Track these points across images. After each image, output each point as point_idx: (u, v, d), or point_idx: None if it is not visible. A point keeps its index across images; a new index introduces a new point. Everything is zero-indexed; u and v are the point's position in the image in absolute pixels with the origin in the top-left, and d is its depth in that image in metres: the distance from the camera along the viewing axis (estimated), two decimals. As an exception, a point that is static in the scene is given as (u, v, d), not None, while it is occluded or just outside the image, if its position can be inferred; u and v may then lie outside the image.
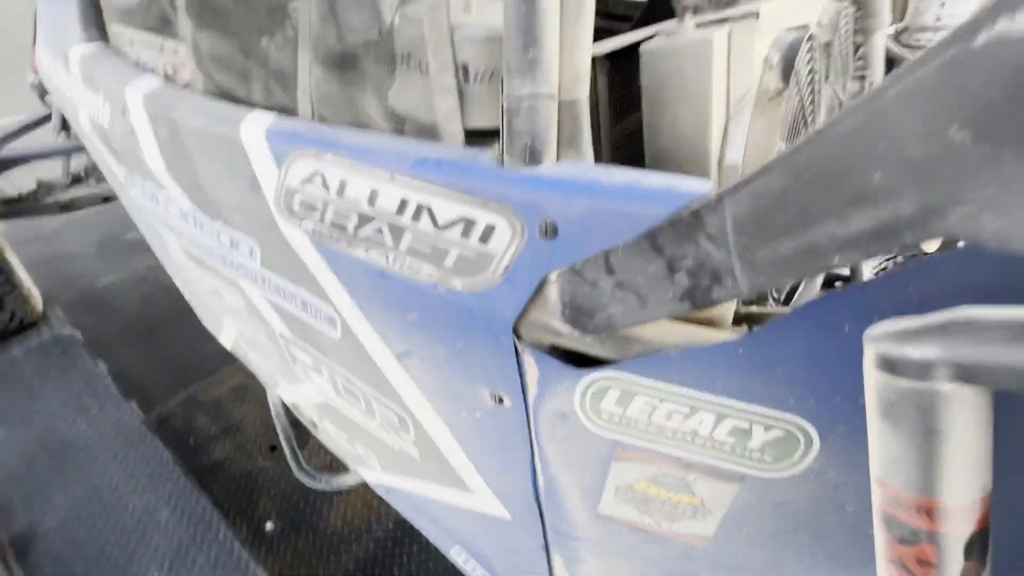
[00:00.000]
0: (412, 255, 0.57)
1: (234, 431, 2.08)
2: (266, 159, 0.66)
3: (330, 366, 0.85)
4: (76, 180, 2.35)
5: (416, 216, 0.54)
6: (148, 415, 1.91)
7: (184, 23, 0.80)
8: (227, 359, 2.39)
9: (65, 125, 2.26)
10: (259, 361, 1.27)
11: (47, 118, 2.29)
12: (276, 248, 0.73)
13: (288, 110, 0.70)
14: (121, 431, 1.67)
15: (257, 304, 0.90)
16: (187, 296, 1.43)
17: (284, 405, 1.55)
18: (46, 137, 2.33)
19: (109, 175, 1.15)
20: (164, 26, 0.93)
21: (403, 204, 0.55)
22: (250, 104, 0.74)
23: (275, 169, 0.65)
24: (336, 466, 1.80)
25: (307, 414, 1.21)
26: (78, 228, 3.15)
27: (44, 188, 2.30)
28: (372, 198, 0.57)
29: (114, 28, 1.03)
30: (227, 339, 1.43)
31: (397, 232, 0.56)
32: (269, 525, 1.78)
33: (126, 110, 0.86)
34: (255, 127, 0.67)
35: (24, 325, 2.15)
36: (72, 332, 2.18)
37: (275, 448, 2.04)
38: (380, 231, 0.58)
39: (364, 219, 0.59)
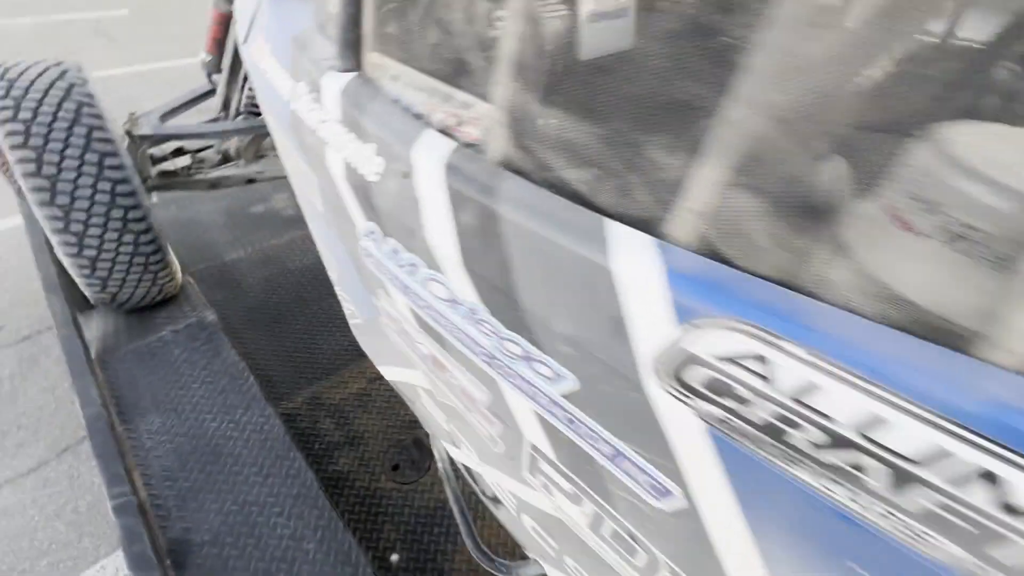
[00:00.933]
0: (923, 520, 0.40)
1: (357, 443, 2.03)
2: (656, 308, 0.50)
3: (610, 513, 0.70)
4: (225, 159, 2.36)
5: (961, 482, 0.37)
6: (275, 408, 1.89)
7: (502, 85, 0.66)
8: (346, 360, 2.36)
9: (226, 106, 2.24)
10: (440, 416, 1.17)
11: (210, 93, 2.29)
12: (613, 400, 0.58)
13: (651, 226, 0.54)
14: (265, 441, 1.65)
15: (514, 408, 0.77)
16: (355, 305, 1.33)
17: (452, 463, 1.46)
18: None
19: (332, 209, 1.05)
20: (455, 74, 0.79)
21: (941, 455, 0.38)
22: (594, 205, 0.58)
23: (671, 326, 0.50)
24: (510, 546, 1.66)
25: (499, 494, 1.10)
26: (210, 196, 3.22)
27: (197, 164, 2.32)
28: (870, 426, 0.40)
29: (372, 57, 0.91)
30: (395, 374, 1.33)
31: (906, 480, 0.40)
32: (395, 557, 1.72)
33: (411, 174, 0.74)
34: (640, 259, 0.51)
35: (166, 298, 2.19)
36: (214, 317, 2.20)
37: (397, 468, 1.98)
38: (864, 467, 0.41)
39: (840, 442, 0.42)
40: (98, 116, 1.84)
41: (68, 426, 2.13)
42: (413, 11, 0.88)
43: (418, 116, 0.79)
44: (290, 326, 2.48)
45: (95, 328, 2.05)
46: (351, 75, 0.91)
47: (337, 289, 1.45)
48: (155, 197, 2.25)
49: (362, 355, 2.18)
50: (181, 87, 2.51)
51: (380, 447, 2.04)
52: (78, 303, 2.00)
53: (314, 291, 2.70)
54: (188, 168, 2.27)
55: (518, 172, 0.65)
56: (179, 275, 2.21)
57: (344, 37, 0.90)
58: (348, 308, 1.40)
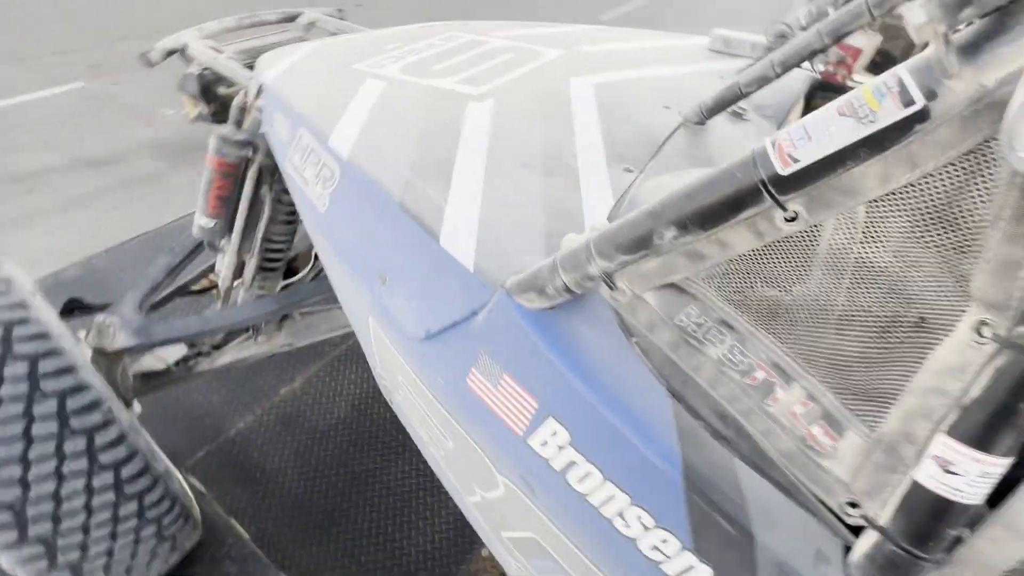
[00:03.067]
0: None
1: None
2: None
3: None
4: (230, 334, 1.73)
5: None
6: None
7: None
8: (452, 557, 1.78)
9: (236, 276, 1.63)
10: None
11: (198, 250, 1.66)
12: None
13: None
14: None
15: None
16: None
17: None
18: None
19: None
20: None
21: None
22: None
23: None
24: None
25: None
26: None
27: (194, 353, 1.68)
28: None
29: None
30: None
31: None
32: None
33: None
34: None
35: (187, 552, 1.55)
36: (256, 552, 1.58)
37: None
38: None
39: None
40: (43, 336, 1.20)
41: None
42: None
43: None
44: (352, 525, 1.88)
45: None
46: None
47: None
48: (138, 405, 1.60)
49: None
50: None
51: None
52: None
53: (366, 454, 2.11)
54: (185, 360, 1.64)
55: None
56: (196, 511, 1.58)
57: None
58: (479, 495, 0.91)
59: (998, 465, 0.44)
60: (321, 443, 2.16)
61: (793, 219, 0.51)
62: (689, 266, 0.60)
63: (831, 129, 0.46)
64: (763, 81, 1.15)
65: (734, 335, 0.60)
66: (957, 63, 0.39)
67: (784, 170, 0.48)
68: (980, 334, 0.44)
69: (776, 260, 0.56)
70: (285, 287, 1.81)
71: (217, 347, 1.75)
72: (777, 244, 0.55)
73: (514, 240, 0.85)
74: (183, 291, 1.83)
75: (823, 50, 1.08)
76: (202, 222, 1.50)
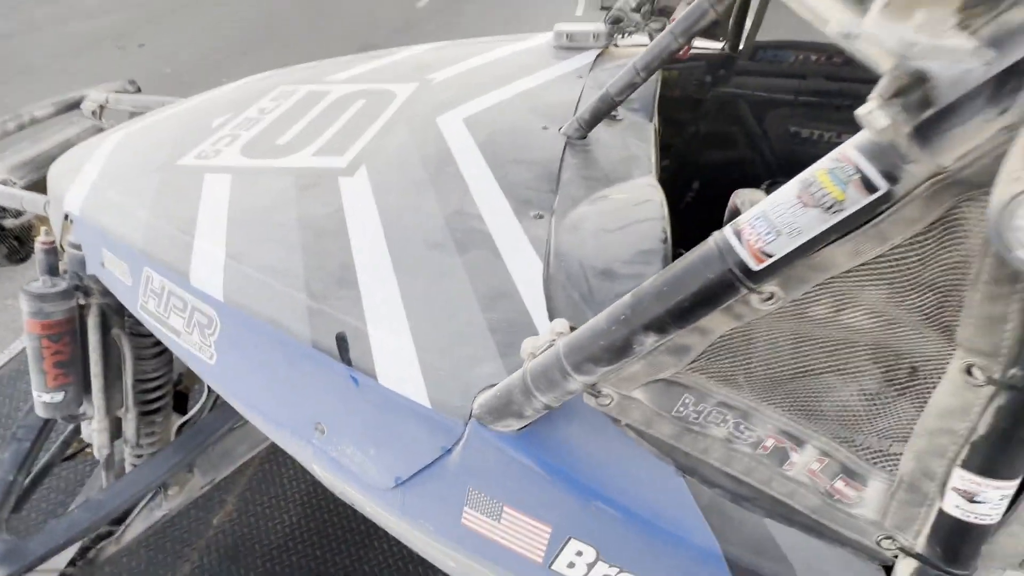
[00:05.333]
0: None
1: None
2: None
3: None
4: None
5: None
6: None
7: None
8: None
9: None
10: None
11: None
12: None
13: None
14: None
15: None
16: None
17: None
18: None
19: None
20: None
21: None
22: None
23: None
24: None
25: None
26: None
27: (91, 543, 1.38)
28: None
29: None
30: None
31: None
32: None
33: None
34: None
35: None
36: None
37: None
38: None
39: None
40: None
41: None
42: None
43: None
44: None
45: None
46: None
47: None
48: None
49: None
50: None
51: None
52: None
53: (337, 552, 1.92)
54: (83, 554, 1.33)
55: None
56: None
57: None
58: None
59: (1014, 486, 0.48)
60: (281, 560, 1.93)
61: (770, 298, 0.50)
62: (675, 362, 0.57)
63: (798, 222, 0.44)
64: (632, 87, 1.15)
65: (735, 413, 0.59)
66: (917, 150, 0.39)
67: (758, 266, 0.46)
68: (972, 375, 0.46)
69: (761, 336, 0.55)
70: (182, 425, 1.54)
71: (121, 520, 1.45)
72: (758, 321, 0.54)
73: (461, 351, 0.77)
74: (46, 473, 1.48)
75: (679, 50, 1.10)
76: (46, 398, 1.20)
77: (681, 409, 0.60)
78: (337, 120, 1.32)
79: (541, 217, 0.97)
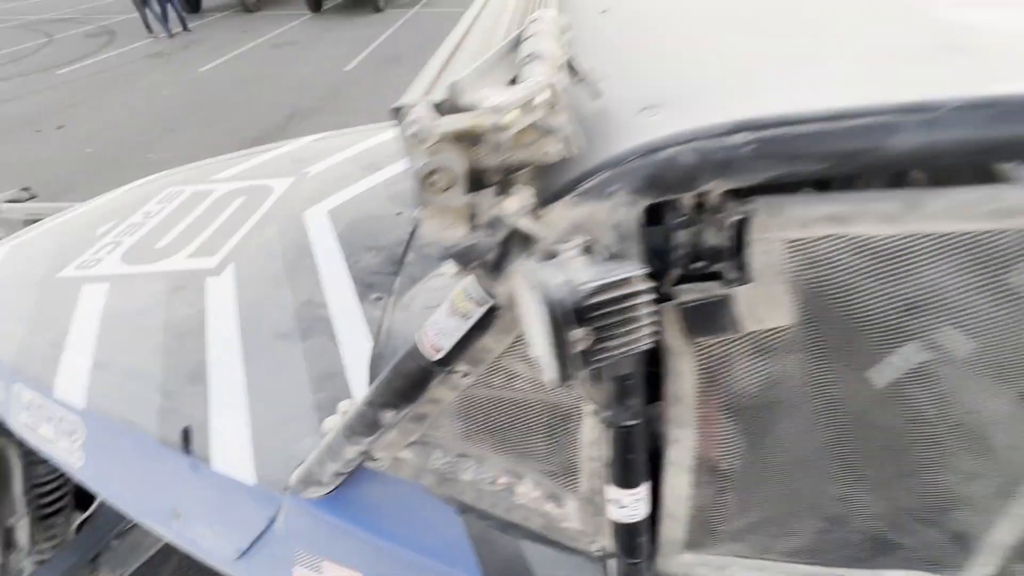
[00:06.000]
0: None
1: None
2: None
3: None
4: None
5: None
6: None
7: None
8: None
9: None
10: None
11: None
12: None
13: None
14: None
15: None
16: None
17: None
18: None
19: None
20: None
21: None
22: None
23: None
24: None
25: None
26: None
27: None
28: None
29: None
30: None
31: None
32: None
33: None
34: None
35: None
36: None
37: None
38: None
39: None
40: None
41: None
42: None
43: None
44: None
45: None
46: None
47: None
48: None
49: None
50: None
51: None
52: None
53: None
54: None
55: None
56: None
57: None
58: None
59: (640, 491, 0.64)
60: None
61: (467, 374, 0.66)
62: (419, 427, 0.72)
63: (450, 326, 0.61)
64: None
65: (473, 460, 0.75)
66: (495, 283, 0.56)
67: (435, 356, 0.62)
68: (597, 416, 0.62)
69: (478, 400, 0.71)
70: (83, 523, 1.56)
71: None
72: (471, 389, 0.70)
73: (289, 429, 0.89)
74: None
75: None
76: None
77: (435, 462, 0.75)
78: (216, 220, 1.45)
79: (380, 299, 1.12)
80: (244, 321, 1.10)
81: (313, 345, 1.02)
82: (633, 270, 0.44)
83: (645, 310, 0.45)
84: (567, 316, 0.42)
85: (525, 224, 0.51)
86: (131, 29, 8.62)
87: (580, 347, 0.44)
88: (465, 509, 0.78)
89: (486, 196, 0.49)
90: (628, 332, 0.45)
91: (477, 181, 0.49)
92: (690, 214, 0.53)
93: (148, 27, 8.30)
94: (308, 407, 0.91)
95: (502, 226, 0.50)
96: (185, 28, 8.46)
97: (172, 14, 8.29)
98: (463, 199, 0.48)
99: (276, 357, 1.01)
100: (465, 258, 0.52)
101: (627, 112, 0.57)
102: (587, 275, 0.44)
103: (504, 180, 0.50)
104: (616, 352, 0.45)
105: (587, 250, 0.50)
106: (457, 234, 0.49)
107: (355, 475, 0.81)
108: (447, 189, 0.45)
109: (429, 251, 0.50)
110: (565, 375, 0.45)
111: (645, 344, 0.46)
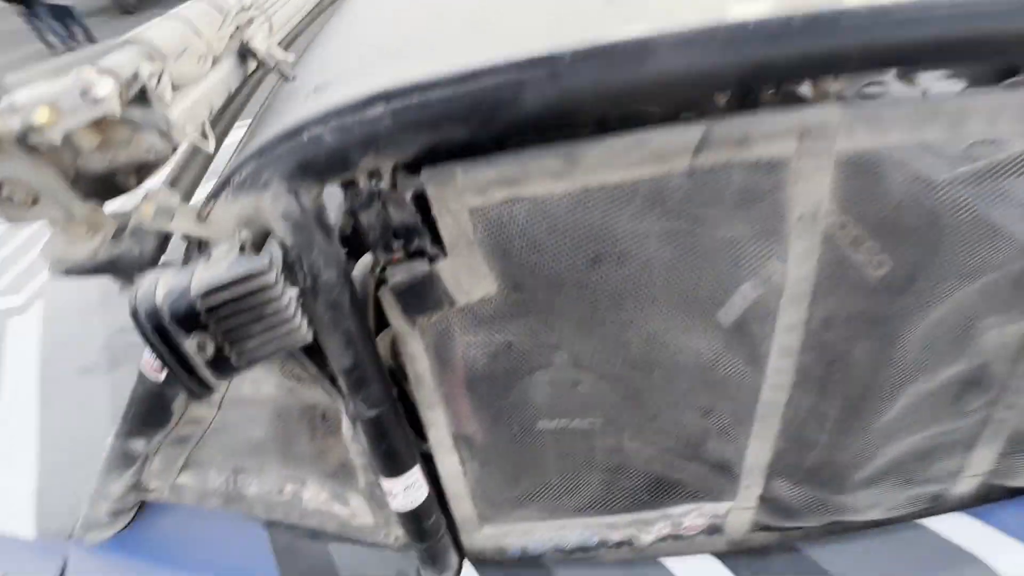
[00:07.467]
0: None
1: None
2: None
3: None
4: None
5: None
6: None
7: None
8: None
9: None
10: None
11: None
12: None
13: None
14: None
15: None
16: None
17: None
18: None
19: None
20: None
21: None
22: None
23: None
24: None
25: None
26: None
27: None
28: None
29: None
30: None
31: None
32: None
33: None
34: None
35: None
36: None
37: None
38: None
39: None
40: None
41: None
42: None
43: None
44: None
45: None
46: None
47: None
48: None
49: None
50: None
51: None
52: None
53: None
54: None
55: None
56: None
57: None
58: None
59: (412, 477, 0.63)
60: None
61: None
62: (183, 449, 0.69)
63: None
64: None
65: (251, 474, 0.72)
66: None
67: (159, 377, 0.59)
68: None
69: (230, 416, 0.68)
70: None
71: None
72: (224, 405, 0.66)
73: (82, 471, 0.83)
74: None
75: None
76: None
77: (214, 482, 0.72)
78: (28, 254, 1.32)
79: None
80: (46, 361, 1.01)
81: (122, 375, 0.95)
82: (257, 264, 0.42)
83: (281, 303, 0.43)
84: (172, 325, 0.39)
85: (185, 227, 0.48)
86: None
87: (208, 354, 0.41)
88: (270, 523, 0.75)
89: (116, 203, 0.45)
90: (266, 329, 0.43)
91: (101, 187, 0.44)
92: (367, 195, 0.51)
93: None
94: (103, 441, 0.85)
95: (146, 233, 0.46)
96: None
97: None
98: (80, 209, 0.43)
99: (78, 396, 0.94)
100: (118, 272, 0.48)
101: (302, 95, 0.54)
102: (204, 278, 0.41)
103: (139, 181, 0.46)
104: (261, 352, 0.43)
105: (245, 247, 0.47)
106: (88, 248, 0.45)
107: (154, 509, 0.77)
108: (34, 203, 0.41)
109: (54, 270, 0.45)
110: (202, 386, 0.42)
111: (297, 337, 0.44)
